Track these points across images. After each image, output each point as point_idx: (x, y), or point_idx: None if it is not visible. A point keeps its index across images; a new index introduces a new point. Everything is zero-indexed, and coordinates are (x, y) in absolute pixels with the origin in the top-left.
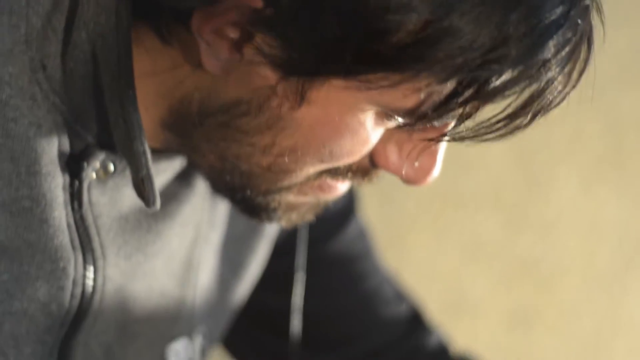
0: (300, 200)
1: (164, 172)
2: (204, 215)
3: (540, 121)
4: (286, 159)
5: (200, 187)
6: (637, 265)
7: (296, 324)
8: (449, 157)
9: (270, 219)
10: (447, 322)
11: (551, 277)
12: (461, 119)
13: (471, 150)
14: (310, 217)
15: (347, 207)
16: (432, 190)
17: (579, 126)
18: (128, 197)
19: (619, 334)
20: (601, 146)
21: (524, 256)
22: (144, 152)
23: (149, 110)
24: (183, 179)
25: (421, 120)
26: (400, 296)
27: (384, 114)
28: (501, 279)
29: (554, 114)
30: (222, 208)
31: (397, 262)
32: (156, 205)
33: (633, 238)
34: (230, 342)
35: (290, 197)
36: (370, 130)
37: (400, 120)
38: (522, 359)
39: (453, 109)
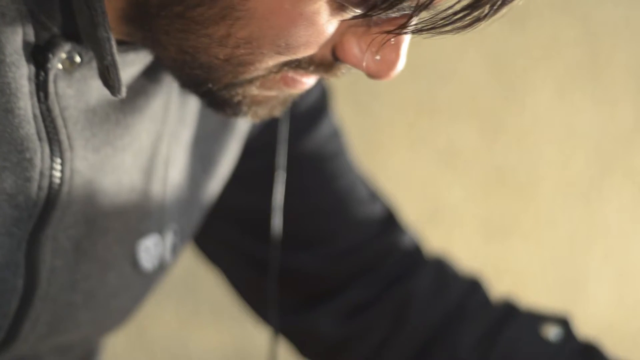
0: (265, 94)
1: (131, 64)
2: (173, 112)
3: (516, 28)
4: (242, 50)
5: (169, 83)
6: (612, 171)
7: (277, 222)
8: (424, 65)
9: (235, 113)
10: (423, 230)
11: (527, 185)
12: (417, 10)
13: (447, 57)
14: (277, 112)
15: (318, 107)
16: (407, 99)
17: (555, 33)
18: (95, 90)
19: (595, 241)
20: (577, 53)
21: (499, 164)
22: (108, 39)
23: (110, 1)
24: (152, 74)
25: (374, 10)
26: (374, 196)
27: (337, 3)
28: (477, 187)
29: (530, 21)
30: (193, 105)
31: (372, 171)
32: (122, 93)
33: (609, 144)
34: (205, 245)
35: (254, 91)
36: (326, 21)
37: (354, 10)
38: (498, 266)
39: None
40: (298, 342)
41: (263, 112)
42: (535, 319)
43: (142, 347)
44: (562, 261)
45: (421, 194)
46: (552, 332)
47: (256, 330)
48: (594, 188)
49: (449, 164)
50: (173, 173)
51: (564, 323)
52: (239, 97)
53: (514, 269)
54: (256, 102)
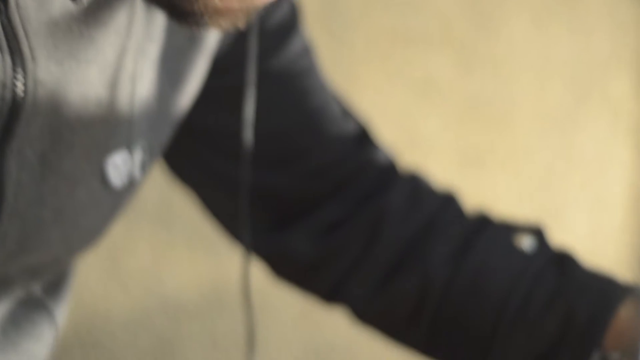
0: (227, 5)
1: None
2: (139, 27)
3: None
4: None
5: None
6: (589, 100)
7: (247, 139)
8: None
9: (198, 24)
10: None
11: (503, 114)
12: None
13: None
14: (241, 23)
15: (288, 23)
16: (381, 29)
17: None
18: (57, 1)
19: (571, 171)
20: None
21: (475, 93)
22: None
23: None
24: None
25: None
26: (347, 113)
27: None
28: (453, 117)
29: None
30: (160, 22)
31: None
32: (83, 1)
33: (585, 74)
34: (177, 165)
35: (216, 1)
36: None
37: None
38: (474, 197)
39: None
40: (272, 262)
41: (226, 24)
42: (509, 230)
43: (116, 281)
44: (538, 191)
45: (397, 125)
46: (525, 242)
47: (232, 264)
48: (570, 117)
49: (424, 94)
50: (140, 89)
51: (537, 233)
52: (201, 8)
53: (490, 198)
54: (218, 12)
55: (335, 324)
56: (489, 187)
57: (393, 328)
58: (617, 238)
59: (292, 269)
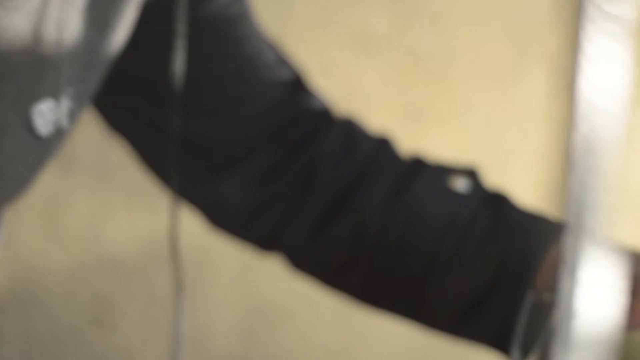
0: None
1: None
2: None
3: None
4: None
5: None
6: (529, 53)
7: (177, 88)
8: None
9: None
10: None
11: (442, 69)
12: None
13: None
14: None
15: None
16: None
17: None
18: None
19: (510, 125)
20: None
21: (414, 47)
22: None
23: None
24: None
25: None
26: (281, 60)
27: None
28: (391, 71)
29: None
30: None
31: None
32: None
33: (524, 26)
34: (110, 116)
35: None
36: None
37: None
38: (413, 150)
39: None
40: (208, 212)
41: None
42: (443, 172)
43: (53, 238)
44: (478, 145)
45: (335, 79)
46: (460, 184)
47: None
48: (510, 71)
49: (362, 48)
50: (67, 36)
51: (471, 174)
52: None
53: (429, 153)
54: None
55: (275, 280)
56: (428, 142)
57: (330, 274)
58: (556, 193)
59: (228, 218)
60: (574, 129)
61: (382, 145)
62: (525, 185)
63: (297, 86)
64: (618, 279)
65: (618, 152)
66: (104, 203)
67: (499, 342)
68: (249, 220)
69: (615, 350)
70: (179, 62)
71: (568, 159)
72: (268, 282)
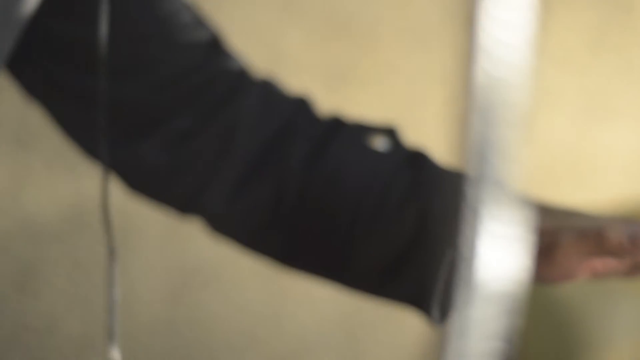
0: None
1: None
2: None
3: None
4: None
5: None
6: (452, 17)
7: (102, 52)
8: None
9: None
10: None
11: (367, 31)
12: None
13: None
14: None
15: None
16: None
17: None
18: None
19: (433, 87)
20: None
21: (338, 9)
22: None
23: None
24: None
25: None
26: (199, 21)
27: None
28: (315, 33)
29: None
30: None
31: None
32: None
33: None
34: (26, 79)
35: None
36: None
37: None
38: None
39: None
40: (127, 175)
41: None
42: (363, 130)
43: None
44: (402, 108)
45: (258, 41)
46: (379, 142)
47: (93, 184)
48: (434, 33)
49: (285, 10)
50: None
51: (391, 133)
52: None
53: (353, 114)
54: None
55: (201, 245)
56: (353, 105)
57: (251, 235)
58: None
59: (147, 181)
60: (475, 63)
61: (301, 106)
62: (446, 147)
63: (214, 47)
64: (524, 233)
65: (523, 88)
66: (25, 168)
67: (421, 302)
68: (167, 182)
69: (520, 303)
70: (103, 26)
71: (471, 96)
72: (193, 246)
